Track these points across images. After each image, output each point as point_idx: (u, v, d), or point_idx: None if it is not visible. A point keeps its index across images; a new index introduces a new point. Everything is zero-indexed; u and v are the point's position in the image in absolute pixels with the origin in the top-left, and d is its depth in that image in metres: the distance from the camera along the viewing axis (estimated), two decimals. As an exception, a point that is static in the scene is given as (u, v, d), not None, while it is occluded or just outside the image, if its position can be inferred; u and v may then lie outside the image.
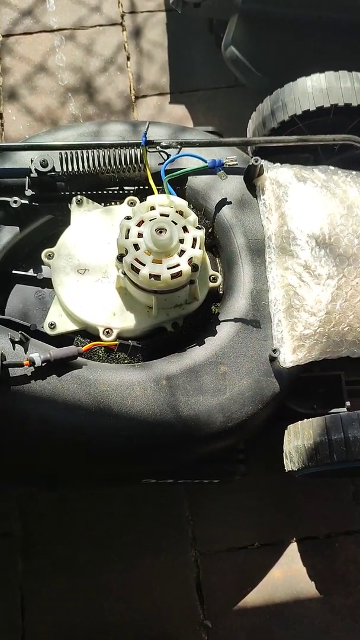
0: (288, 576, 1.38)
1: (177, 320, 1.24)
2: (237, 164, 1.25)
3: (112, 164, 1.34)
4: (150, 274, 1.11)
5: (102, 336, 1.21)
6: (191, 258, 1.13)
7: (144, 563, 1.38)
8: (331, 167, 1.36)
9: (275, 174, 1.34)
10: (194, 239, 1.14)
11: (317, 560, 1.39)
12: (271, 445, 1.31)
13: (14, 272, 1.39)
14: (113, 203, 1.39)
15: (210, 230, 1.33)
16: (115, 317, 1.23)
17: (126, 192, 1.38)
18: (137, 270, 1.12)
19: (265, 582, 1.37)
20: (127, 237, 1.14)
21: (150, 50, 1.92)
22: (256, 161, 1.29)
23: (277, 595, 1.37)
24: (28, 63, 1.90)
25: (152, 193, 1.32)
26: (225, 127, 1.75)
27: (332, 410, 1.26)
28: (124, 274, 1.19)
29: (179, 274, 1.12)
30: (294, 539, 1.41)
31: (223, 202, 1.33)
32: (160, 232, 1.12)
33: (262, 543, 1.40)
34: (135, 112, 1.84)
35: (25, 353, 1.08)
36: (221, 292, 1.29)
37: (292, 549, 1.40)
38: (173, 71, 1.89)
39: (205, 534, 1.40)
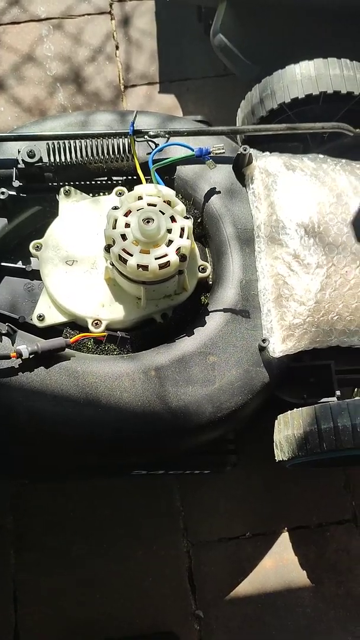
0: (280, 566, 1.38)
1: (167, 311, 1.23)
2: (224, 152, 1.24)
3: (100, 154, 1.33)
4: (138, 265, 1.10)
5: (91, 328, 1.20)
6: (179, 248, 1.12)
7: (136, 554, 1.38)
8: (320, 156, 1.35)
9: (264, 163, 1.33)
10: (182, 229, 1.13)
11: (309, 549, 1.40)
12: (261, 435, 1.31)
13: (2, 264, 1.38)
14: (102, 193, 1.38)
15: (199, 220, 1.32)
16: (104, 309, 1.22)
17: (115, 182, 1.37)
18: (124, 261, 1.11)
19: (257, 572, 1.38)
20: (114, 228, 1.13)
21: (139, 39, 1.90)
22: (245, 150, 1.28)
23: (269, 585, 1.37)
24: (16, 53, 1.88)
25: (141, 183, 1.31)
26: (215, 117, 1.75)
27: (322, 400, 1.26)
28: (112, 264, 1.18)
29: (167, 264, 1.11)
30: (286, 528, 1.41)
31: (212, 192, 1.32)
32: (148, 221, 1.11)
33: (254, 533, 1.41)
34: (124, 101, 1.82)
35: (13, 345, 1.07)
36: (210, 282, 1.28)
37: (284, 538, 1.40)
38: (162, 60, 1.87)
39: (197, 524, 1.41)
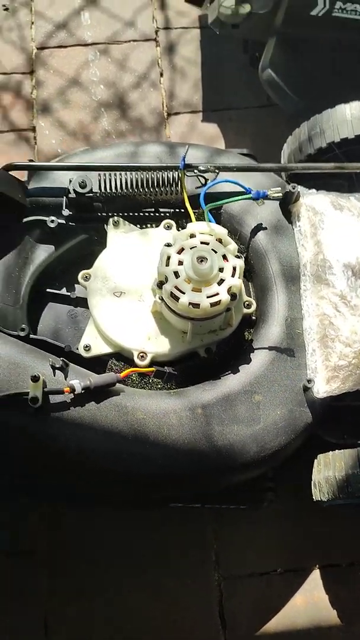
0: (310, 603, 1.38)
1: (211, 345, 1.24)
2: (280, 197, 1.25)
3: (150, 187, 1.34)
4: (189, 302, 1.11)
5: (136, 360, 1.21)
6: (230, 287, 1.13)
7: (167, 585, 1.38)
8: (367, 196, 1.36)
9: (312, 201, 1.34)
10: (234, 268, 1.14)
11: (339, 588, 1.39)
12: (298, 471, 1.32)
13: (48, 290, 1.40)
14: (149, 224, 1.39)
15: (244, 255, 1.33)
16: (149, 341, 1.23)
17: (162, 214, 1.39)
18: (176, 298, 1.12)
19: (287, 609, 1.38)
20: (167, 265, 1.14)
21: (183, 67, 1.92)
22: (293, 188, 1.29)
23: (299, 623, 1.37)
24: (62, 76, 1.90)
25: (188, 216, 1.32)
26: (257, 147, 1.76)
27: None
28: (162, 299, 1.19)
29: (218, 302, 1.12)
30: (317, 566, 1.41)
31: (258, 228, 1.33)
32: (201, 261, 1.12)
33: (285, 569, 1.40)
34: (167, 129, 1.84)
35: (65, 379, 1.08)
36: (254, 318, 1.29)
37: (315, 576, 1.40)
38: (206, 89, 1.89)
39: (229, 557, 1.41)
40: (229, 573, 1.40)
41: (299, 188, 1.32)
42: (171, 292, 1.12)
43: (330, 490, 1.19)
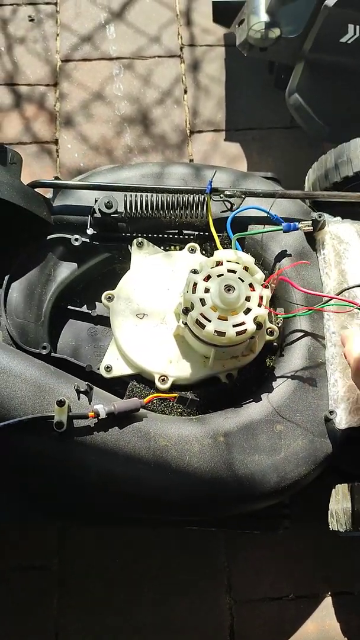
0: (322, 631, 1.38)
1: (232, 371, 1.24)
2: (311, 230, 1.26)
3: (175, 209, 1.35)
4: (215, 331, 1.11)
5: (157, 383, 1.22)
6: (256, 316, 1.13)
7: (179, 607, 1.38)
8: (393, 226, 1.36)
9: (337, 229, 1.34)
10: (260, 297, 1.15)
11: (352, 616, 1.39)
12: (313, 497, 1.31)
13: (69, 307, 1.41)
14: (172, 245, 1.40)
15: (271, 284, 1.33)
16: (171, 365, 1.23)
17: (186, 236, 1.39)
18: (202, 326, 1.12)
19: (298, 635, 1.37)
20: (194, 292, 1.14)
21: (207, 84, 1.93)
22: (319, 216, 1.29)
23: (310, 650, 1.37)
24: (85, 90, 1.91)
25: (213, 240, 1.33)
26: (279, 168, 1.77)
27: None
28: (186, 324, 1.19)
29: (244, 331, 1.12)
30: (329, 593, 1.41)
31: (283, 254, 1.33)
32: (229, 290, 1.12)
33: (297, 595, 1.40)
34: (190, 147, 1.84)
35: (90, 403, 1.09)
36: (276, 344, 1.29)
37: (327, 603, 1.40)
38: (229, 107, 1.90)
39: (241, 582, 1.41)
40: (241, 597, 1.40)
41: (325, 216, 1.32)
42: (197, 320, 1.12)
43: (347, 522, 1.19)
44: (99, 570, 1.41)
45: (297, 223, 1.24)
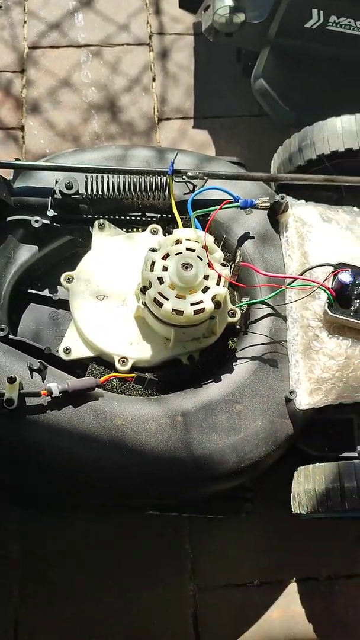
0: (286, 616, 1.37)
1: (194, 353, 1.23)
2: (268, 207, 1.25)
3: (137, 191, 1.33)
4: (173, 309, 1.10)
5: (117, 365, 1.20)
6: (215, 295, 1.12)
7: (142, 594, 1.36)
8: (356, 209, 1.36)
9: (300, 212, 1.34)
10: (219, 277, 1.13)
11: (316, 602, 1.38)
12: (276, 482, 1.31)
13: (29, 291, 1.38)
14: (135, 228, 1.38)
15: (230, 263, 1.32)
16: (131, 347, 1.22)
17: (148, 218, 1.38)
18: (160, 304, 1.11)
19: (262, 622, 1.36)
20: (151, 270, 1.13)
21: (176, 72, 1.92)
22: (282, 198, 1.29)
23: (274, 636, 1.35)
24: (53, 77, 1.89)
25: (175, 221, 1.32)
26: (247, 156, 1.76)
27: (342, 454, 1.26)
28: (145, 304, 1.18)
29: (202, 310, 1.11)
30: (294, 579, 1.40)
31: (245, 236, 1.32)
32: (186, 267, 1.11)
33: (262, 581, 1.39)
34: (157, 134, 1.83)
35: (43, 381, 1.06)
36: (238, 326, 1.28)
37: (292, 589, 1.39)
38: (197, 95, 1.89)
39: (205, 568, 1.39)
40: (205, 584, 1.38)
41: (288, 198, 1.31)
42: (155, 298, 1.11)
43: (309, 504, 1.18)
44: (61, 560, 1.38)
45: (254, 200, 1.23)
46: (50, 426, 1.04)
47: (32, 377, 1.06)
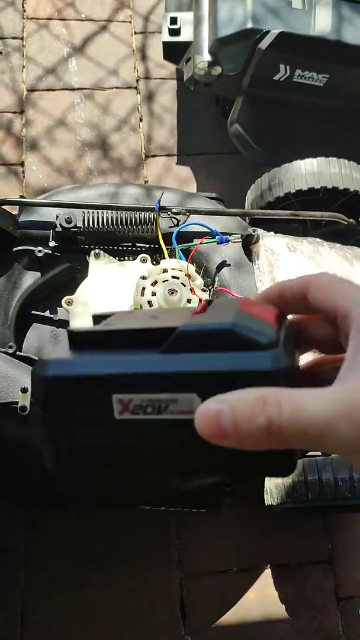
0: (261, 599, 1.54)
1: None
2: (240, 242, 1.45)
3: (128, 225, 1.53)
4: (160, 328, 1.29)
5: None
6: (196, 316, 1.31)
7: (134, 581, 1.53)
8: (318, 240, 1.57)
9: (270, 242, 1.54)
10: (200, 300, 1.33)
11: (288, 586, 1.56)
12: (253, 480, 1.49)
13: (33, 312, 1.56)
14: (126, 257, 1.57)
15: (210, 288, 1.52)
16: (124, 361, 1.40)
17: (138, 248, 1.57)
18: (149, 324, 1.29)
19: (241, 604, 1.54)
20: (142, 295, 1.32)
21: (161, 114, 2.12)
22: (254, 231, 1.49)
23: (251, 616, 1.53)
24: (49, 117, 2.09)
25: (161, 252, 1.51)
26: (225, 190, 1.97)
27: (309, 453, 1.45)
28: (136, 324, 1.36)
29: (185, 329, 1.30)
30: (269, 565, 1.58)
31: (223, 264, 1.52)
32: (172, 292, 1.30)
33: (240, 568, 1.57)
34: (145, 169, 2.03)
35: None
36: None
37: (267, 574, 1.57)
38: (180, 135, 2.10)
39: (190, 557, 1.56)
40: (190, 571, 1.55)
41: (259, 231, 1.51)
42: (145, 319, 1.30)
43: (279, 496, 1.37)
44: (63, 551, 1.55)
45: (228, 237, 1.43)
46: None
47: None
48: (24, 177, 1.99)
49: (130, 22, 2.25)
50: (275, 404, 0.35)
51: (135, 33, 2.24)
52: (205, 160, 2.06)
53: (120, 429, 0.39)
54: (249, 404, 0.36)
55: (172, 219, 1.56)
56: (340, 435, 0.35)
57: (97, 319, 0.45)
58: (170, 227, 1.55)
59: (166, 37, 1.88)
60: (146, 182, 2.02)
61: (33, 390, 0.40)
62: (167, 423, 0.38)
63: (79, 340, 0.41)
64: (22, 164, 2.01)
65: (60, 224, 1.52)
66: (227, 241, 1.42)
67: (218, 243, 1.43)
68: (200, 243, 1.44)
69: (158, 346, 0.38)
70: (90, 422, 0.39)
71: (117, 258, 1.59)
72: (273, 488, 1.39)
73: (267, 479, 1.42)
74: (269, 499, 1.42)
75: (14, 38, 2.20)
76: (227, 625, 1.51)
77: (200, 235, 1.53)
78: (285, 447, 0.36)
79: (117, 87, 2.15)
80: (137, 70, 2.18)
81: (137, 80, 2.17)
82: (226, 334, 0.38)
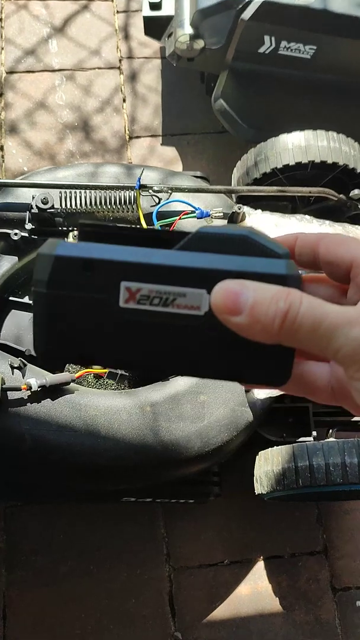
0: (254, 592, 1.48)
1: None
2: (222, 216, 1.38)
3: (108, 204, 1.46)
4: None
5: (92, 363, 1.31)
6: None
7: (121, 576, 1.47)
8: (307, 217, 1.50)
9: (256, 221, 1.47)
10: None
11: (282, 578, 1.50)
12: (242, 468, 1.43)
13: (10, 298, 1.50)
14: (106, 239, 1.51)
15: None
16: (104, 346, 1.33)
17: (119, 229, 1.50)
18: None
19: (232, 598, 1.47)
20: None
21: (144, 94, 2.05)
22: (239, 209, 1.42)
23: (244, 611, 1.47)
24: (29, 99, 2.02)
25: (143, 232, 1.44)
26: (212, 170, 1.90)
27: (299, 439, 1.38)
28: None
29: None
30: (261, 557, 1.51)
31: (207, 243, 1.45)
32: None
33: (231, 561, 1.51)
34: (128, 151, 1.96)
35: (23, 378, 1.18)
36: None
37: (259, 567, 1.51)
38: (165, 114, 2.03)
39: (179, 550, 1.50)
40: (179, 565, 1.49)
41: (245, 208, 1.44)
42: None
43: (269, 484, 1.30)
44: (45, 546, 1.49)
45: (209, 211, 1.36)
46: (30, 417, 1.15)
47: (13, 374, 1.18)
48: (3, 161, 1.92)
49: (112, 0, 2.18)
50: (297, 296, 0.38)
51: (117, 12, 2.17)
52: (191, 140, 1.99)
53: (122, 317, 0.39)
54: (273, 291, 0.38)
55: (154, 197, 1.49)
56: (352, 335, 0.37)
57: (85, 228, 0.42)
58: (152, 206, 1.48)
59: (147, 12, 1.81)
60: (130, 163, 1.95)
61: (36, 269, 0.39)
62: (171, 317, 0.39)
63: (90, 233, 0.40)
64: (1, 148, 1.94)
65: (36, 205, 1.45)
66: (208, 216, 1.35)
67: (198, 218, 1.36)
68: (180, 218, 1.37)
69: (172, 246, 0.39)
70: (92, 308, 0.39)
71: (97, 240, 1.51)
72: (263, 476, 1.32)
73: (257, 466, 1.36)
74: (259, 488, 1.35)
75: (-8, 19, 2.13)
76: (219, 621, 1.45)
77: (182, 213, 1.46)
78: (291, 344, 0.38)
79: (99, 68, 2.08)
80: (120, 50, 2.11)
81: (120, 60, 2.10)
82: (242, 240, 0.40)
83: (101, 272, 0.39)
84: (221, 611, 1.46)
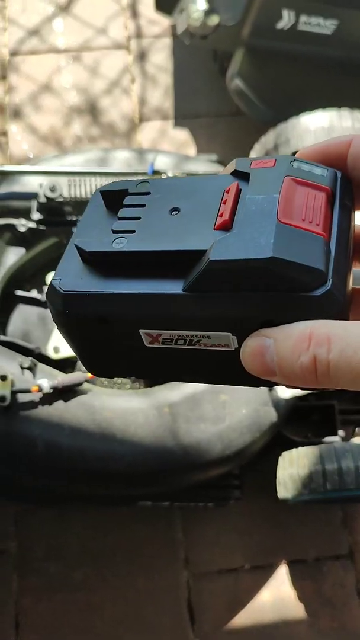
0: (277, 599, 1.42)
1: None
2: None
3: (119, 192, 1.37)
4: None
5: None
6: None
7: (137, 582, 1.41)
8: None
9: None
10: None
11: (306, 583, 1.43)
12: (263, 469, 1.36)
13: (17, 293, 1.42)
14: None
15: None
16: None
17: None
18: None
19: (254, 604, 1.41)
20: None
21: (154, 74, 1.96)
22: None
23: (266, 617, 1.40)
24: (34, 82, 1.92)
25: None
26: (226, 154, 1.80)
27: (325, 439, 1.31)
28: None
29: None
30: (284, 562, 1.45)
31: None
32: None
33: (253, 565, 1.44)
34: (138, 135, 1.87)
35: (34, 378, 1.10)
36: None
37: (282, 572, 1.44)
38: (177, 96, 1.93)
39: (198, 555, 1.43)
40: (198, 570, 1.43)
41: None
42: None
43: (294, 487, 1.23)
44: (58, 552, 1.42)
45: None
46: (42, 421, 1.08)
47: (23, 374, 1.10)
48: (7, 147, 1.83)
49: (119, -24, 2.07)
50: (323, 340, 0.31)
51: (124, -11, 2.06)
52: (204, 122, 1.89)
53: (151, 351, 0.38)
54: (293, 339, 0.32)
55: (168, 184, 1.40)
56: None
57: (93, 256, 0.38)
58: (166, 193, 1.40)
59: (157, -14, 1.71)
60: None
61: (53, 313, 0.38)
62: (200, 352, 0.37)
63: (93, 261, 0.37)
64: (4, 133, 1.85)
65: (44, 194, 1.37)
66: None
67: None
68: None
69: (183, 271, 0.35)
70: (117, 345, 0.39)
71: (108, 230, 1.43)
72: (287, 479, 1.25)
73: (281, 468, 1.29)
74: (283, 491, 1.28)
75: (-6, -2, 2.03)
76: (240, 628, 1.38)
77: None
78: (335, 388, 0.33)
79: (106, 48, 1.98)
80: (128, 29, 2.01)
81: (128, 39, 2.00)
82: (264, 271, 0.33)
83: (119, 325, 0.37)
84: (242, 618, 1.39)
